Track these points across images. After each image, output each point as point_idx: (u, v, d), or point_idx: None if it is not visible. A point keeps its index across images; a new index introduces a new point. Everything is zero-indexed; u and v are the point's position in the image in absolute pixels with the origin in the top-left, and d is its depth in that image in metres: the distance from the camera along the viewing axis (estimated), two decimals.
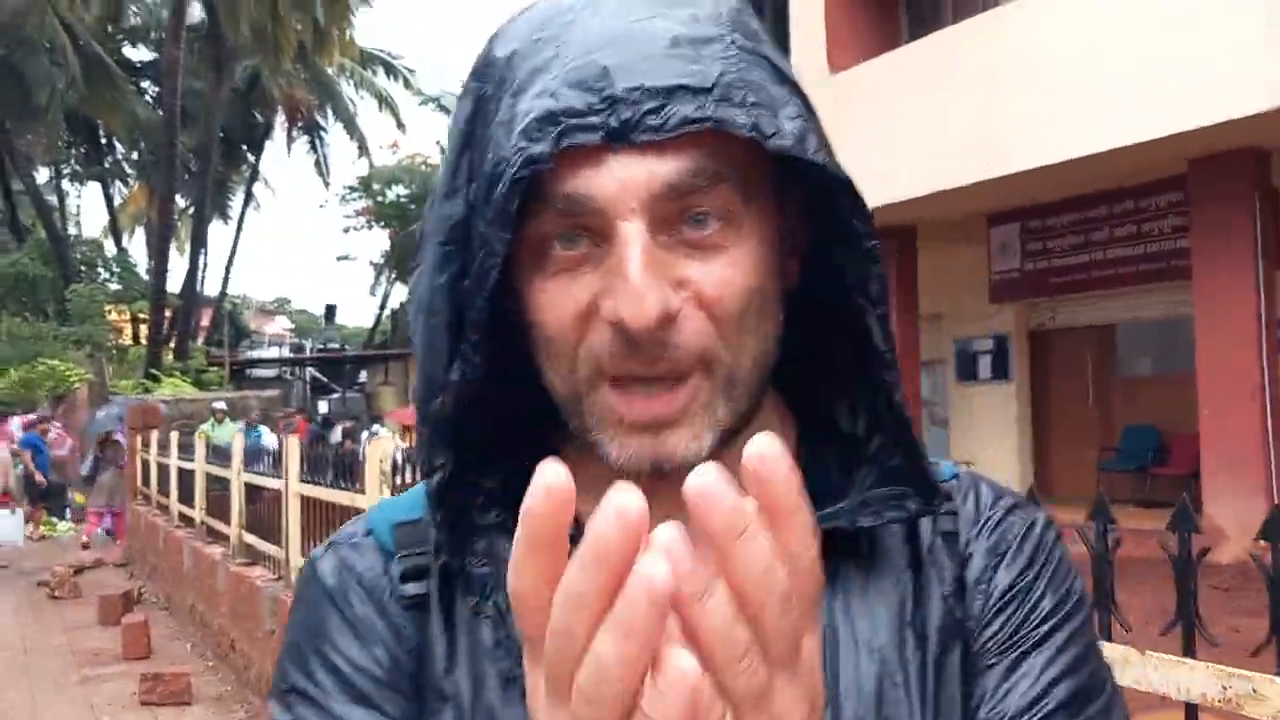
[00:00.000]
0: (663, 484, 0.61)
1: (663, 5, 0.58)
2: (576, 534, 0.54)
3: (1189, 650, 1.48)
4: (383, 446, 5.18)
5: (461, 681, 0.64)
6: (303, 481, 6.45)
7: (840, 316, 0.64)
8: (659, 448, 0.58)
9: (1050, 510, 0.79)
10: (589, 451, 0.61)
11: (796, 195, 0.62)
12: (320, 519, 6.18)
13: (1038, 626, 0.64)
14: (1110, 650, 1.49)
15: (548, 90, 0.54)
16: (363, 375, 32.73)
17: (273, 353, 37.00)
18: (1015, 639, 0.64)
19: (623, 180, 0.54)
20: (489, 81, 0.59)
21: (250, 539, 7.76)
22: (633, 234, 0.54)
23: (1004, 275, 11.89)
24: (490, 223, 0.55)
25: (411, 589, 0.66)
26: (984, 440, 13.00)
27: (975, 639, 0.65)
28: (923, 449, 0.64)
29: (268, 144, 31.38)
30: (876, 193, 9.74)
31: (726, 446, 0.59)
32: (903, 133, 9.62)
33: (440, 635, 0.65)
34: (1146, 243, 10.40)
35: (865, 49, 10.60)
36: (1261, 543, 1.41)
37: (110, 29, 25.64)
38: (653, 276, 0.54)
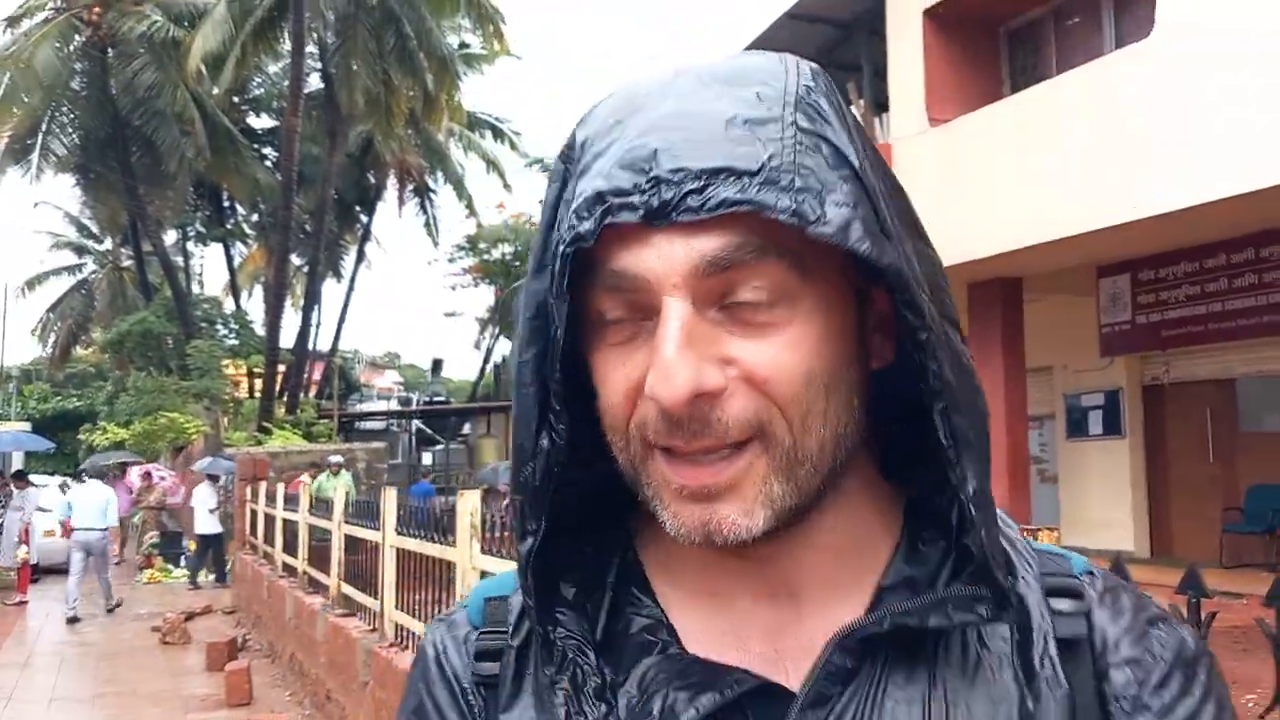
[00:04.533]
0: (750, 565, 0.64)
1: (730, 85, 0.59)
2: (656, 627, 0.64)
3: None
4: (472, 501, 5.23)
5: None
6: (399, 534, 6.55)
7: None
8: (710, 516, 0.58)
9: (1170, 574, 0.74)
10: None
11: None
12: (416, 572, 6.25)
13: None
14: None
15: (601, 172, 0.57)
16: (466, 427, 33.29)
17: (380, 405, 37.93)
18: None
19: (665, 256, 0.55)
20: (571, 163, 0.61)
21: (349, 590, 7.90)
22: (674, 310, 0.55)
23: (1115, 327, 11.46)
24: (554, 296, 0.58)
25: (486, 668, 0.68)
26: (1096, 499, 12.47)
27: None
28: (997, 549, 0.60)
29: (379, 205, 32.48)
30: (982, 243, 9.55)
31: (800, 525, 0.61)
32: (1007, 184, 9.43)
33: (511, 711, 0.66)
34: (1269, 293, 9.91)
35: (967, 101, 10.47)
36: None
37: (235, 99, 27.08)
38: (687, 352, 0.55)
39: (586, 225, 0.55)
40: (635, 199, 0.55)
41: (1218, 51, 7.66)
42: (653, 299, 0.56)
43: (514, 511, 0.64)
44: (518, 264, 32.84)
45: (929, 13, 10.75)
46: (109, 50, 23.21)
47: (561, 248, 0.57)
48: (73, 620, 12.65)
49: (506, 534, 5.09)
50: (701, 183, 0.54)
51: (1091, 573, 0.67)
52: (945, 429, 0.58)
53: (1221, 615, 2.43)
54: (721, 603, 0.65)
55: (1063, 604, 0.64)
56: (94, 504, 13.73)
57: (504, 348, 34.37)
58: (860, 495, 0.65)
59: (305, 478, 13.46)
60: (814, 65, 0.62)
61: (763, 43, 13.04)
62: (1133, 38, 9.05)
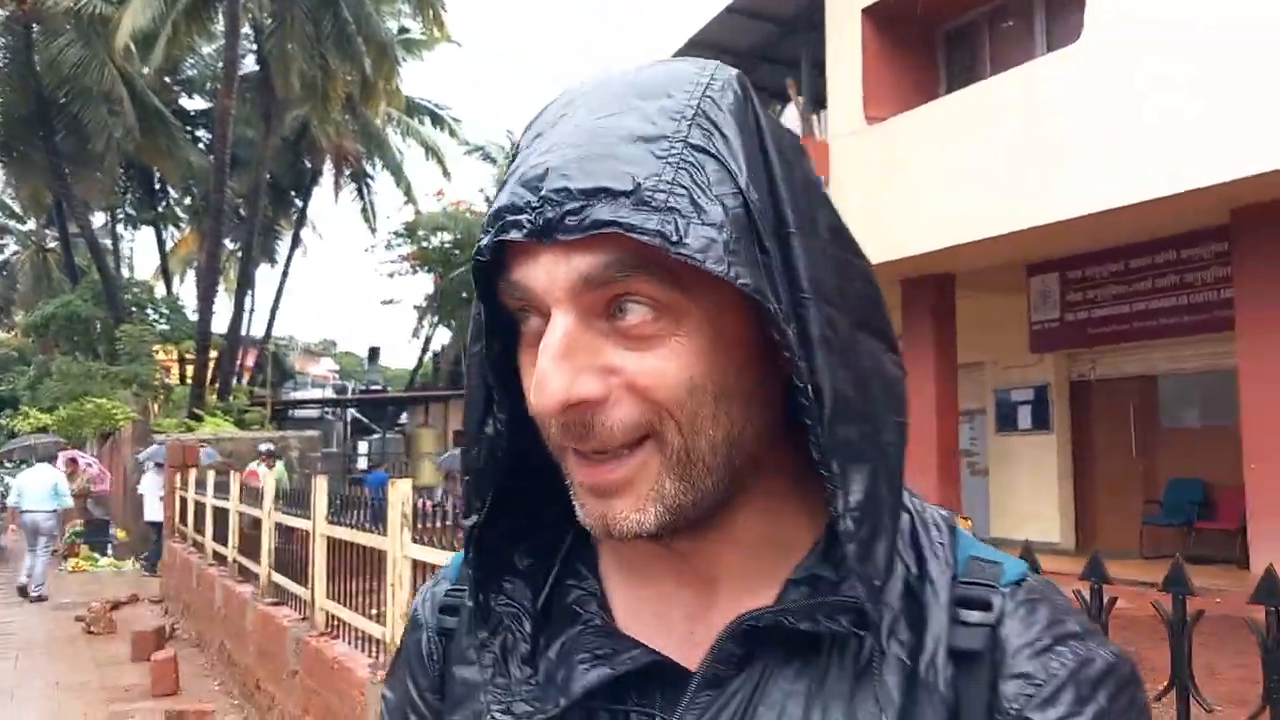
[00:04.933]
0: (674, 554, 0.67)
1: (641, 97, 0.61)
2: (588, 600, 0.70)
3: (1184, 716, 1.42)
4: (403, 490, 5.19)
5: (456, 716, 0.72)
6: (330, 523, 6.47)
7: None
8: (607, 511, 0.62)
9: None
10: None
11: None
12: (347, 561, 6.19)
13: None
14: None
15: (507, 187, 0.60)
16: (403, 417, 32.96)
17: (316, 394, 37.38)
18: None
19: (549, 272, 0.59)
20: (509, 168, 0.65)
21: (279, 579, 7.79)
22: (558, 322, 0.59)
23: (1044, 325, 11.74)
24: (479, 299, 0.64)
25: (448, 621, 0.76)
26: (1025, 492, 12.78)
27: None
28: (873, 563, 0.61)
29: (315, 190, 32.00)
30: (914, 241, 9.72)
31: (714, 521, 0.64)
32: (940, 182, 9.60)
33: (455, 667, 0.74)
34: (1190, 293, 10.23)
35: (904, 100, 10.62)
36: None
37: (167, 80, 26.41)
38: (563, 363, 0.58)
39: (485, 239, 0.60)
40: (525, 217, 0.58)
41: (1143, 63, 7.88)
42: (544, 309, 0.60)
43: (463, 491, 0.69)
44: (457, 252, 32.54)
45: (868, 11, 10.87)
46: (33, 26, 22.48)
47: (477, 255, 0.61)
48: (38, 599, 13.16)
49: (443, 524, 5.07)
50: (580, 203, 0.57)
51: (1020, 582, 0.65)
52: (820, 443, 0.59)
53: (1135, 603, 2.54)
54: (651, 584, 0.69)
55: (971, 615, 0.64)
56: (43, 486, 13.87)
57: (443, 336, 34.13)
58: (781, 495, 0.67)
59: (262, 467, 13.21)
60: (735, 74, 0.63)
61: (703, 37, 13.07)
62: (1064, 42, 9.26)
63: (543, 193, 0.58)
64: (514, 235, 0.58)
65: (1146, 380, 11.82)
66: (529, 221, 0.58)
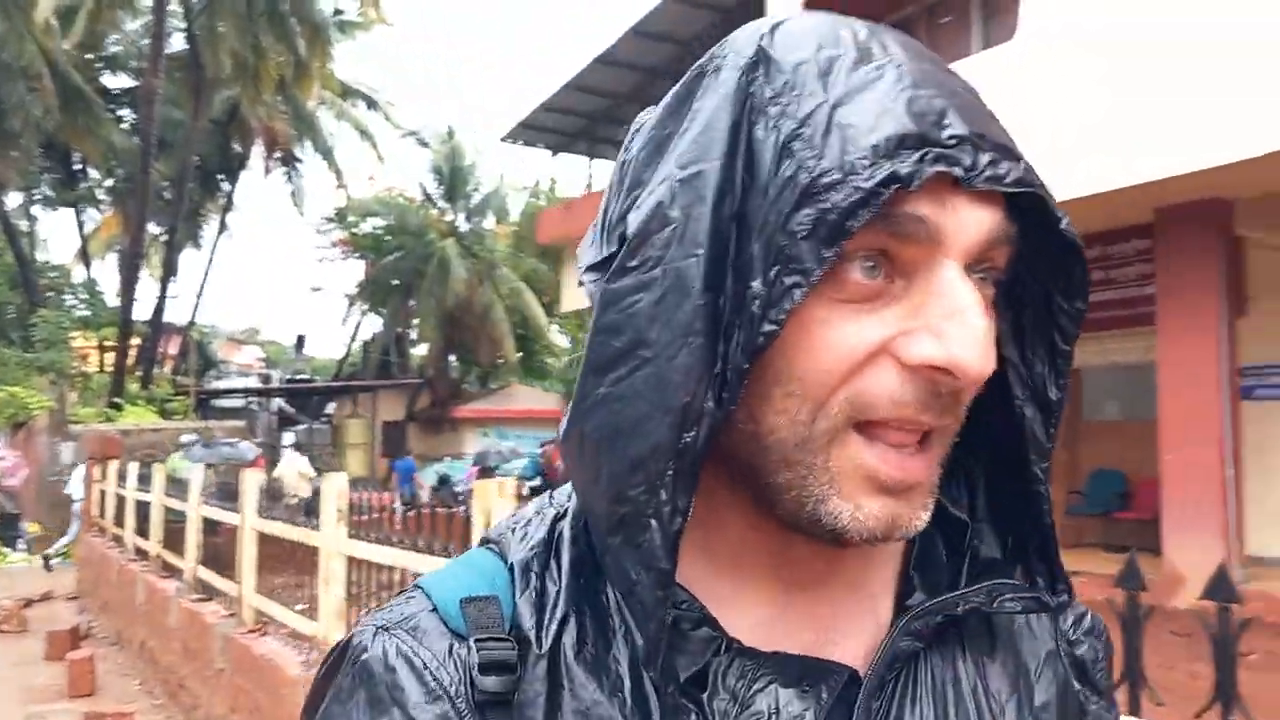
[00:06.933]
0: (799, 559, 0.59)
1: (950, 75, 0.55)
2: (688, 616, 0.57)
3: (1135, 709, 1.43)
4: (339, 484, 5.09)
5: None
6: (261, 516, 6.34)
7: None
8: (901, 512, 0.54)
9: None
10: (737, 515, 0.58)
11: None
12: (279, 555, 6.06)
13: None
14: None
15: (888, 110, 0.50)
16: (330, 407, 32.47)
17: (241, 383, 36.60)
18: None
19: (964, 218, 0.51)
20: (766, 83, 0.53)
21: (205, 574, 7.61)
22: (958, 278, 0.51)
23: None
24: (804, 237, 0.49)
25: (493, 684, 0.55)
26: None
27: None
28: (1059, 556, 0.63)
29: (244, 174, 31.29)
30: None
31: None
32: None
33: None
34: (1114, 288, 10.50)
35: None
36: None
37: (89, 57, 25.55)
38: (988, 322, 0.51)
39: (905, 168, 0.49)
40: (948, 153, 0.50)
41: (1075, 64, 8.04)
42: (927, 257, 0.51)
43: (653, 484, 0.52)
44: (389, 238, 32.15)
45: (809, 4, 10.94)
46: None
47: (860, 182, 0.49)
48: None
49: (381, 515, 4.98)
50: (996, 154, 0.51)
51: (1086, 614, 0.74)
52: (1039, 432, 0.61)
53: None
54: (755, 589, 0.60)
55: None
56: None
57: (374, 324, 33.64)
58: None
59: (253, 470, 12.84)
60: None
61: (646, 25, 13.07)
62: (999, 40, 9.42)
63: (955, 132, 0.50)
64: (945, 169, 0.49)
65: (1072, 373, 12.10)
66: (956, 159, 0.50)
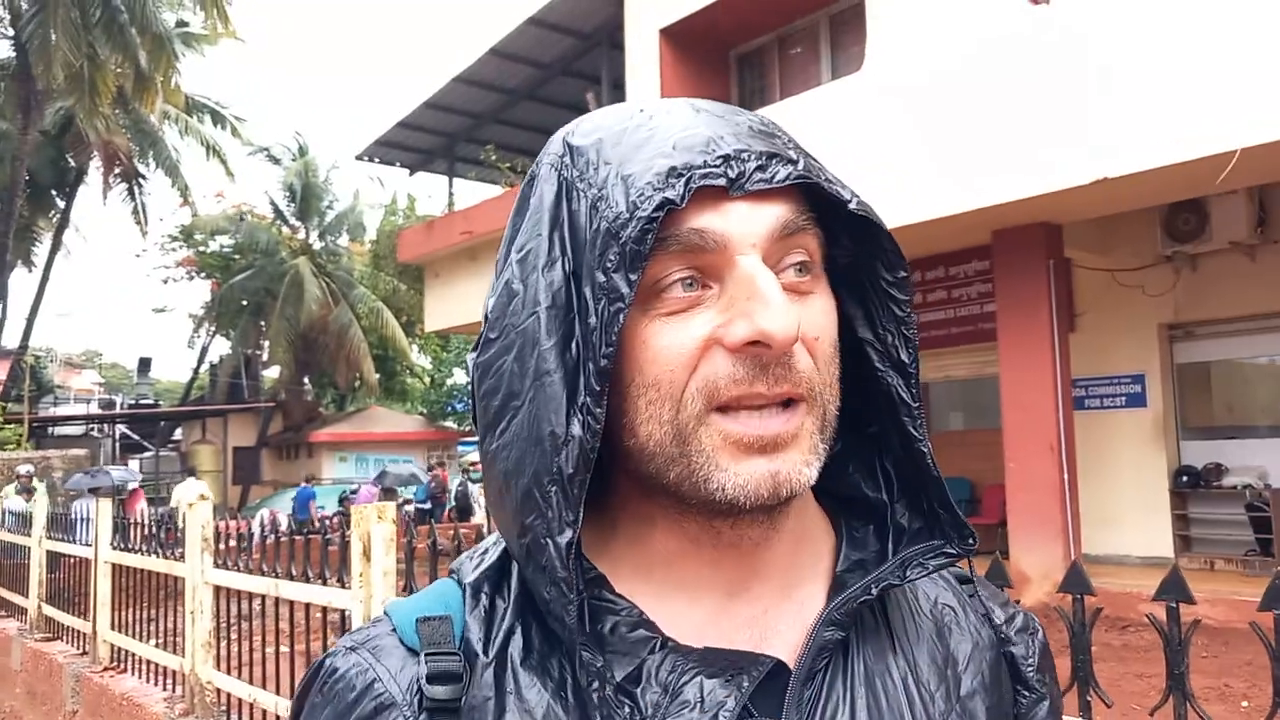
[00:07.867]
0: (725, 554, 0.66)
1: (727, 113, 0.65)
2: (625, 620, 0.65)
3: (1085, 710, 1.56)
4: (203, 512, 4.95)
5: None
6: (115, 549, 6.07)
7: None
8: (778, 468, 0.61)
9: None
10: (649, 522, 0.66)
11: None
12: (136, 589, 5.81)
13: None
14: None
15: (661, 153, 0.61)
16: (178, 433, 31.02)
17: (80, 409, 34.58)
18: None
19: (744, 219, 0.60)
20: (573, 167, 0.65)
21: (51, 611, 7.22)
22: (758, 265, 0.60)
23: None
24: (614, 270, 0.58)
25: (440, 692, 0.63)
26: None
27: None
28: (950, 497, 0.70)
29: (81, 190, 29.64)
30: None
31: (785, 512, 0.66)
32: None
33: None
34: (957, 307, 11.09)
35: None
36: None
37: None
38: (786, 297, 0.60)
39: (672, 193, 0.58)
40: (714, 169, 0.59)
41: (919, 94, 8.50)
42: (724, 261, 0.60)
43: (539, 506, 0.61)
44: (237, 257, 30.99)
45: (665, 32, 11.17)
46: None
47: (640, 213, 0.58)
48: None
49: (238, 547, 4.86)
50: (762, 161, 0.60)
51: None
52: (918, 426, 0.68)
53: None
54: (693, 595, 0.66)
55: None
56: None
57: (221, 346, 32.36)
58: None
59: (14, 499, 12.07)
60: None
61: (504, 47, 13.07)
62: (847, 71, 9.85)
63: (719, 152, 0.60)
64: (710, 182, 0.59)
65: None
66: (720, 173, 0.60)
